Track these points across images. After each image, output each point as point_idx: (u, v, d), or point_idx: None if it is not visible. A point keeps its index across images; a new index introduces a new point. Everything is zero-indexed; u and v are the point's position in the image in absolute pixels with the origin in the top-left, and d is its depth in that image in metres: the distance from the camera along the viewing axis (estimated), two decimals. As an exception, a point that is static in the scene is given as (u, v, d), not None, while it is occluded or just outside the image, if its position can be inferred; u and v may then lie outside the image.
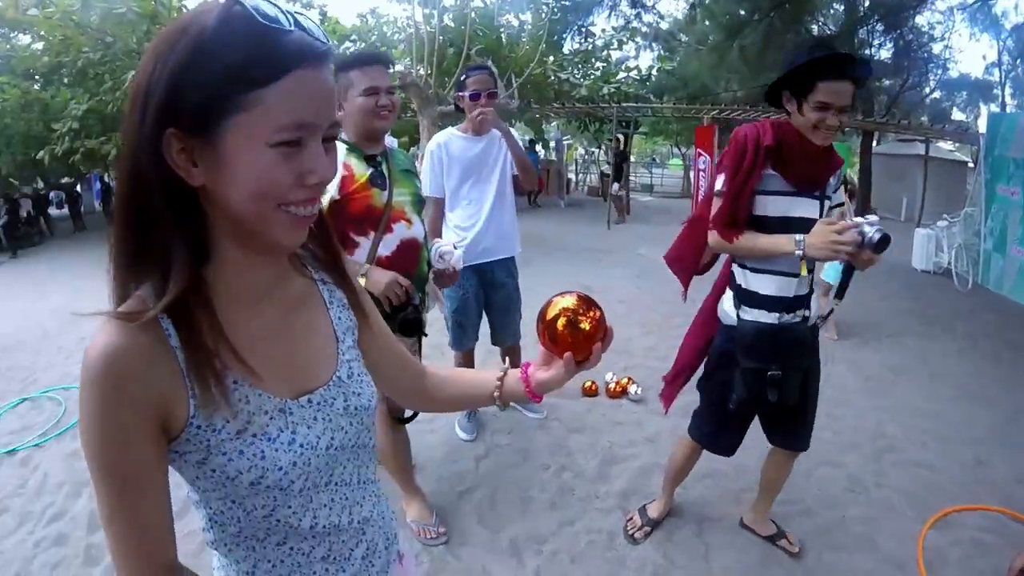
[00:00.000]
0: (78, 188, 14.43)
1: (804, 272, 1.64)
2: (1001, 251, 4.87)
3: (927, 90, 13.72)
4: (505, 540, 2.19)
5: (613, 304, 5.28)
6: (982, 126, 7.51)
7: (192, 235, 0.58)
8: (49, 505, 2.50)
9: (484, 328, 2.84)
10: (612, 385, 3.38)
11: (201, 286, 0.59)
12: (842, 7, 10.37)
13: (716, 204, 1.70)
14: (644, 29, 13.66)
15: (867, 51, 10.62)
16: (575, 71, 10.83)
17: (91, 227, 13.04)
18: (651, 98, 12.30)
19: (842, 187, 1.75)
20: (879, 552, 2.11)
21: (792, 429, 1.89)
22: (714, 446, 1.97)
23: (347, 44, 11.24)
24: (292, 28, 0.54)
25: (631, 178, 14.56)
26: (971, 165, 11.16)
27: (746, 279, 1.74)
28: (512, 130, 2.59)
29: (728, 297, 1.81)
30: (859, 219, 1.46)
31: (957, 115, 14.95)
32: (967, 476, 2.60)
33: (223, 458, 0.60)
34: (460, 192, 2.56)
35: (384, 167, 1.82)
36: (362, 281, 1.66)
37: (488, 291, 2.72)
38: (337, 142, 1.70)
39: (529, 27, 9.67)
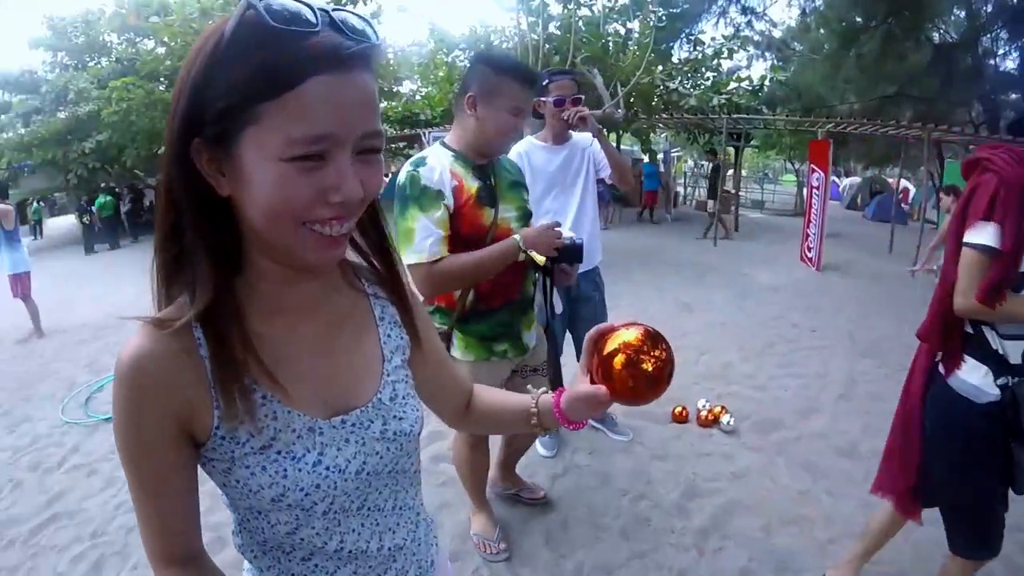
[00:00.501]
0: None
1: None
2: None
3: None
4: (570, 565, 2.07)
5: (713, 326, 4.94)
6: None
7: (216, 244, 0.56)
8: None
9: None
10: (704, 413, 3.11)
11: (228, 297, 0.57)
12: (963, 13, 9.21)
13: (979, 261, 1.39)
14: (756, 37, 12.89)
15: (991, 61, 9.41)
16: (684, 80, 10.43)
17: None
18: (763, 110, 11.60)
19: None
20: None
21: None
22: (998, 548, 1.59)
23: (456, 52, 11.59)
24: (318, 27, 0.48)
25: (741, 193, 13.73)
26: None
27: (1003, 346, 1.43)
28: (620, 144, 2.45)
29: (974, 368, 1.48)
30: None
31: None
32: None
33: (246, 471, 0.59)
34: (543, 204, 2.44)
35: (492, 179, 1.71)
36: (521, 257, 1.60)
37: (573, 305, 2.59)
38: (440, 147, 1.65)
39: (637, 35, 9.43)
